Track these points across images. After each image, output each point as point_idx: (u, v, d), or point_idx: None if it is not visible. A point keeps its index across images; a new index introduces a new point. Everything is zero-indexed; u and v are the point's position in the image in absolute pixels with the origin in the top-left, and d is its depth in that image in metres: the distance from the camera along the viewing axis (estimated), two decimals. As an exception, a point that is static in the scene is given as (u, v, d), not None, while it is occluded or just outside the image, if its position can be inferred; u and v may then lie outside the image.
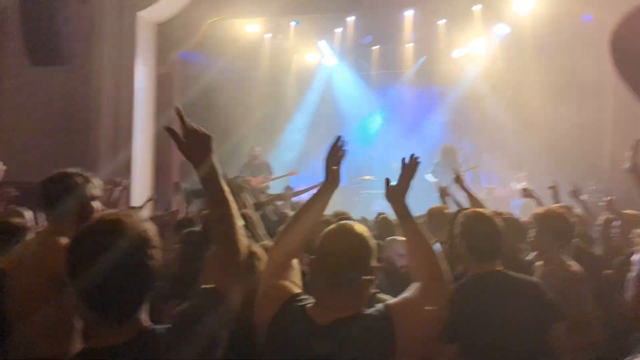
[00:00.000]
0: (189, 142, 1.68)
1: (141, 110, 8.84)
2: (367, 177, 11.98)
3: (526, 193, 5.10)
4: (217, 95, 11.23)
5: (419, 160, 2.22)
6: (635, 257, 1.41)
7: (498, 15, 10.74)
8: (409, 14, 11.43)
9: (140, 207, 5.15)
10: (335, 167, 2.14)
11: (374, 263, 1.77)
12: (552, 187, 4.95)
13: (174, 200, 5.77)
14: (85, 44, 8.33)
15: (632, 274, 1.44)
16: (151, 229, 1.41)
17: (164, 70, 9.39)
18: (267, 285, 1.90)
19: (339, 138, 2.22)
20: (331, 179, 2.13)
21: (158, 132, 9.31)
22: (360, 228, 1.80)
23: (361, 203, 11.16)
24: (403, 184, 2.14)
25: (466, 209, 3.50)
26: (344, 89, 13.48)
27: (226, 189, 1.62)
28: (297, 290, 1.87)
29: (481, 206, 3.79)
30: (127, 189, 5.45)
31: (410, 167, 2.19)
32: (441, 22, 11.55)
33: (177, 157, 10.07)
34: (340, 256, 1.73)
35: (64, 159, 8.21)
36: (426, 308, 1.76)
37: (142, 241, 1.37)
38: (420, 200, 6.29)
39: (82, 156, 8.25)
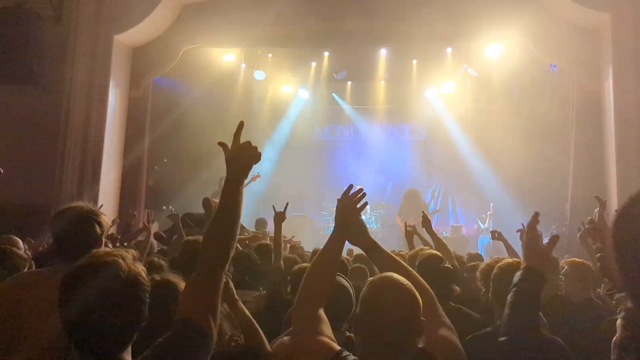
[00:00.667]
0: (238, 152, 1.82)
1: (112, 133, 8.72)
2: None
3: (496, 235, 5.12)
4: (190, 122, 11.17)
5: (360, 194, 2.09)
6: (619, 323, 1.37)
7: (468, 59, 11.10)
8: (382, 52, 11.71)
9: (146, 242, 4.93)
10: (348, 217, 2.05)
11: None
12: (520, 231, 4.96)
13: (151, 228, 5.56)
14: (58, 64, 8.23)
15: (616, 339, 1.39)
16: (143, 271, 1.38)
17: (137, 94, 9.32)
18: (304, 342, 1.82)
19: (351, 187, 2.12)
20: (342, 228, 2.04)
21: (127, 158, 9.18)
22: (404, 281, 1.73)
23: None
24: (352, 222, 2.07)
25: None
26: (316, 121, 13.61)
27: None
28: (336, 346, 1.75)
29: (446, 248, 3.85)
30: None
31: (351, 201, 2.08)
32: (414, 62, 11.87)
33: (144, 183, 9.92)
34: (391, 315, 1.61)
35: (28, 180, 8.02)
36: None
37: (134, 283, 1.33)
38: (390, 243, 6.33)
39: (48, 178, 8.06)
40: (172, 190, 10.21)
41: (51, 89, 8.21)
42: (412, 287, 1.67)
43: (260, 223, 8.27)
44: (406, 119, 13.36)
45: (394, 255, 2.05)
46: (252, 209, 10.19)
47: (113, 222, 6.53)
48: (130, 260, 1.37)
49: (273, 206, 4.15)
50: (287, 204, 4.20)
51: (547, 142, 9.14)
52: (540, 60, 8.79)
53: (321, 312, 1.89)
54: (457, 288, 3.08)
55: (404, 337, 1.60)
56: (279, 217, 4.00)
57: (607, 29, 7.40)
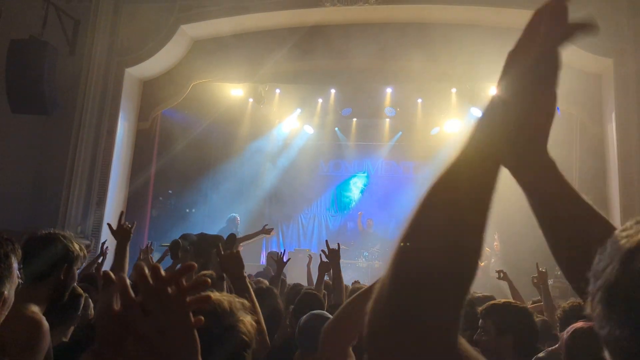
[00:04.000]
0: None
1: (119, 164, 8.81)
2: (343, 247, 11.97)
3: (501, 276, 5.10)
4: (196, 155, 11.28)
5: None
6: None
7: (473, 99, 11.24)
8: (388, 91, 11.89)
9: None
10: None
11: None
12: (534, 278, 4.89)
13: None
14: (69, 95, 8.40)
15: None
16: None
17: (146, 125, 9.45)
18: None
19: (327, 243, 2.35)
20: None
21: (133, 188, 9.24)
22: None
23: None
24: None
25: None
26: (321, 156, 13.71)
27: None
28: None
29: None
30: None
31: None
32: (419, 101, 12.03)
33: (148, 213, 9.96)
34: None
35: (35, 209, 8.08)
36: None
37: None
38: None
39: (54, 207, 8.11)
40: (175, 221, 10.23)
41: (63, 118, 8.35)
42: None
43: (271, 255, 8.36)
44: (410, 157, 13.44)
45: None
46: (258, 242, 10.17)
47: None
48: None
49: (326, 241, 4.16)
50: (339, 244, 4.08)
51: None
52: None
53: (350, 350, 1.92)
54: None
55: None
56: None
57: (610, 73, 7.52)
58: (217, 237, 5.71)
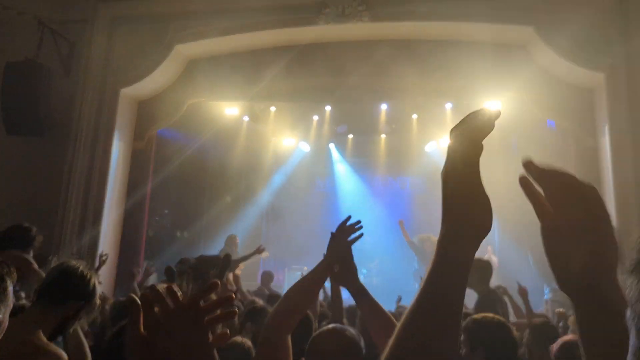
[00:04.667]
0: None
1: (114, 185, 8.79)
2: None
3: (502, 291, 5.11)
4: (192, 174, 11.27)
5: (357, 226, 2.09)
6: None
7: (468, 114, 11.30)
8: (383, 107, 11.96)
9: None
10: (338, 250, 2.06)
11: None
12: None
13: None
14: (64, 116, 8.40)
15: None
16: None
17: (141, 145, 9.45)
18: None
19: (348, 218, 2.13)
20: (332, 258, 2.06)
21: (128, 207, 9.20)
22: (350, 332, 1.82)
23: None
24: (346, 263, 2.07)
25: None
26: (317, 172, 13.73)
27: None
28: None
29: None
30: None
31: (345, 234, 2.08)
32: (414, 117, 12.10)
33: (144, 233, 9.91)
34: (332, 357, 1.73)
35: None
36: None
37: None
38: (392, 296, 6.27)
39: (49, 227, 8.06)
40: (173, 241, 10.18)
41: (58, 139, 8.35)
42: (355, 338, 1.79)
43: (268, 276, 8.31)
44: (406, 172, 13.48)
45: (378, 303, 2.05)
46: (255, 261, 10.11)
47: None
48: None
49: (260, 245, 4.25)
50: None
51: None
52: (538, 117, 8.96)
53: (288, 338, 1.90)
54: None
55: None
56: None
57: (602, 88, 7.58)
58: (215, 258, 5.70)
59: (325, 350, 1.76)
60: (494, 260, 10.30)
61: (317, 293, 2.10)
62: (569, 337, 2.66)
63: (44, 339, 2.15)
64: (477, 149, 0.96)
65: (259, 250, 8.47)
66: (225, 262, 5.03)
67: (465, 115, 1.00)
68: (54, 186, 8.29)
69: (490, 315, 2.77)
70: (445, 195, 0.95)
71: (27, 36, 8.37)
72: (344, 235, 2.06)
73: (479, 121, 0.96)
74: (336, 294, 3.96)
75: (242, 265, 7.43)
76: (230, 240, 9.85)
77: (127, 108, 9.16)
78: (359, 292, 2.06)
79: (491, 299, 3.43)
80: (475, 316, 2.67)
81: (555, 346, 2.47)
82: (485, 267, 4.66)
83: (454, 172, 0.95)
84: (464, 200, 0.93)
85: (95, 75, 8.73)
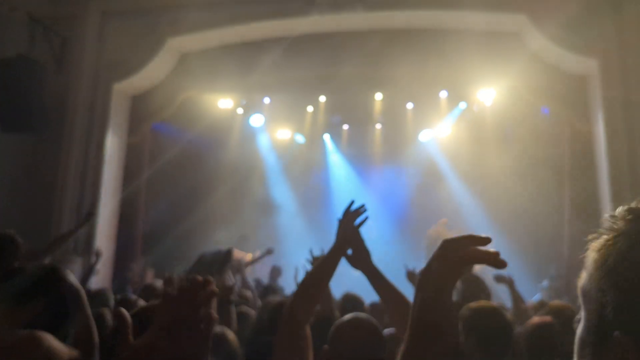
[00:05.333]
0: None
1: (108, 180, 8.77)
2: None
3: (500, 279, 5.08)
4: (187, 167, 11.25)
5: (362, 210, 2.11)
6: None
7: (462, 103, 11.33)
8: (378, 97, 11.93)
9: None
10: (350, 232, 2.06)
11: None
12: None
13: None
14: (58, 113, 8.35)
15: None
16: None
17: (135, 140, 9.42)
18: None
19: (352, 203, 2.13)
20: (341, 243, 2.06)
21: (124, 203, 9.19)
22: (373, 321, 1.82)
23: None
24: (357, 245, 2.09)
25: None
26: (312, 164, 13.72)
27: None
28: None
29: None
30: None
31: (352, 217, 2.08)
32: (409, 106, 12.08)
33: (140, 229, 9.91)
34: (357, 349, 1.73)
35: (25, 225, 7.99)
36: None
37: None
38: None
39: (44, 224, 8.05)
40: (168, 236, 10.17)
41: (51, 135, 8.30)
42: (378, 327, 1.79)
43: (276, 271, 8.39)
44: (402, 162, 13.48)
45: (394, 285, 2.07)
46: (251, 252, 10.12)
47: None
48: None
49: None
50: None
51: (542, 183, 9.23)
52: (532, 104, 8.98)
53: (307, 328, 1.92)
54: None
55: None
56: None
57: (595, 74, 7.60)
58: (216, 254, 5.70)
59: (350, 341, 1.74)
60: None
61: (330, 280, 2.09)
62: (536, 318, 2.70)
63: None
64: (455, 277, 1.00)
65: (269, 252, 8.64)
66: (227, 258, 5.06)
67: (459, 236, 1.07)
68: (48, 182, 8.26)
69: (485, 302, 2.80)
70: (415, 303, 0.99)
71: (19, 32, 8.31)
72: (351, 220, 2.06)
73: (466, 255, 1.00)
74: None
75: (248, 268, 7.50)
76: (242, 238, 9.77)
77: (121, 103, 9.12)
78: (374, 274, 2.10)
79: (473, 285, 3.40)
80: (471, 304, 2.70)
81: (524, 327, 2.51)
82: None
83: (430, 288, 0.98)
84: (433, 317, 0.96)
85: (88, 71, 8.69)
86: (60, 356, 1.94)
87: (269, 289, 6.93)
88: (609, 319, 0.63)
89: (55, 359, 1.97)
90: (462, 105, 11.37)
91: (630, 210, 0.67)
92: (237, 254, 9.20)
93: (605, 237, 0.67)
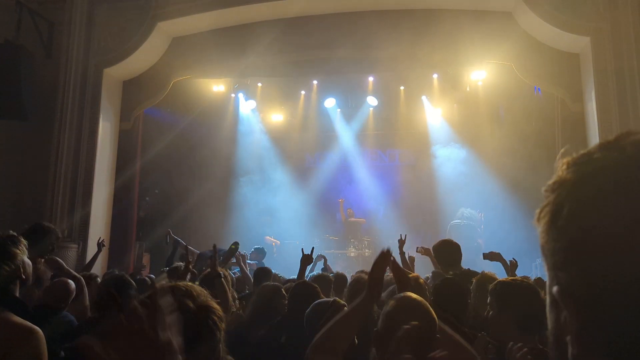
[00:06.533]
0: None
1: (102, 166, 8.73)
2: (331, 237, 12.12)
3: (488, 256, 5.11)
4: (180, 152, 11.22)
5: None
6: None
7: (455, 84, 11.31)
8: (370, 79, 11.90)
9: None
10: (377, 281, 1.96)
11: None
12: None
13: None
14: (48, 98, 8.29)
15: None
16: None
17: (128, 126, 9.36)
18: None
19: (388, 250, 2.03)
20: (371, 295, 1.94)
21: (118, 189, 9.17)
22: (423, 300, 1.75)
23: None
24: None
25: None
26: (306, 148, 13.69)
27: None
28: None
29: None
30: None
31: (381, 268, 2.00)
32: (402, 88, 12.06)
33: (135, 214, 9.90)
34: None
35: (19, 213, 7.98)
36: None
37: None
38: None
39: (38, 210, 8.03)
40: (163, 220, 10.17)
41: (43, 122, 8.24)
42: (429, 306, 1.72)
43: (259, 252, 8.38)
44: (395, 145, 13.48)
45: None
46: (246, 237, 10.14)
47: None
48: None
49: (302, 249, 4.49)
50: (313, 248, 4.54)
51: (535, 162, 9.26)
52: (524, 84, 8.98)
53: None
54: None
55: (421, 353, 1.64)
56: (306, 260, 4.22)
57: (588, 52, 7.59)
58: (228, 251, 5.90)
59: (402, 319, 1.64)
60: (480, 242, 10.28)
61: (358, 328, 1.99)
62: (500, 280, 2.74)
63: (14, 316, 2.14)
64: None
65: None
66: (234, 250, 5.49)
67: None
68: (41, 169, 8.22)
69: (518, 278, 2.81)
70: None
71: (5, 18, 8.20)
72: (380, 267, 1.98)
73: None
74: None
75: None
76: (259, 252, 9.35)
77: (112, 88, 9.05)
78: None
79: (452, 282, 3.28)
80: (503, 279, 2.71)
81: (491, 287, 2.53)
82: (452, 250, 4.56)
83: None
84: None
85: (77, 56, 8.59)
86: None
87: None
88: (552, 275, 0.60)
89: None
90: (455, 85, 11.35)
91: (565, 163, 0.64)
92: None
93: (546, 192, 0.65)
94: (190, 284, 1.36)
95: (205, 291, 1.36)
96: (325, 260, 7.32)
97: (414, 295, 1.77)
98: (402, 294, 1.78)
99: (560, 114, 8.58)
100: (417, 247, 5.54)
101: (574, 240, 0.56)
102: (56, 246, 4.34)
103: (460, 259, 4.52)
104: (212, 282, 3.05)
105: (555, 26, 7.64)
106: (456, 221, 10.84)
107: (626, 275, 0.51)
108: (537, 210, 0.63)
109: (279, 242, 11.55)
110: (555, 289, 0.57)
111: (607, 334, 0.52)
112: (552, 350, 0.61)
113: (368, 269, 2.12)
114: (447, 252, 4.56)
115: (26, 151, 8.28)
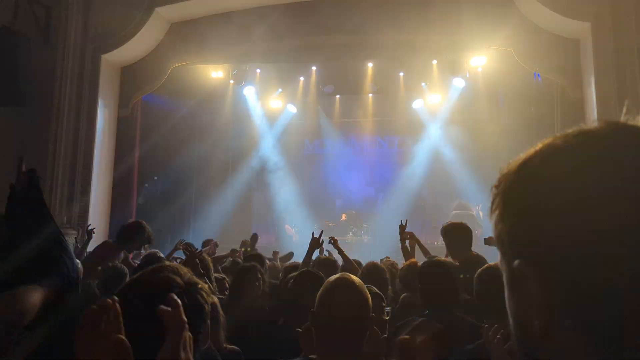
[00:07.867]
0: None
1: (100, 153, 8.72)
2: (330, 224, 12.14)
3: (489, 241, 5.09)
4: (179, 139, 11.20)
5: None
6: None
7: (454, 70, 11.26)
8: (369, 65, 11.84)
9: None
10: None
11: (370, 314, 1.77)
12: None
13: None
14: (46, 85, 8.23)
15: None
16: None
17: (126, 112, 9.32)
18: None
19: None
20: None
21: (117, 176, 9.16)
22: (358, 281, 1.79)
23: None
24: None
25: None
26: (305, 134, 13.68)
27: None
28: None
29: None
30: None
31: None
32: (401, 74, 12.01)
33: (134, 201, 9.91)
34: (345, 310, 1.70)
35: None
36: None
37: None
38: (382, 254, 6.37)
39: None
40: (163, 208, 10.18)
41: (41, 109, 8.20)
42: (364, 287, 1.76)
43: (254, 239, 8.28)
44: (394, 131, 13.48)
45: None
46: (246, 223, 10.18)
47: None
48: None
49: (312, 232, 4.51)
50: (322, 231, 4.54)
51: (534, 145, 9.25)
52: (524, 70, 8.94)
53: None
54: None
55: (355, 335, 1.68)
56: (315, 243, 4.35)
57: (588, 37, 7.55)
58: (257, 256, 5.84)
59: (337, 316, 1.67)
60: (478, 232, 10.28)
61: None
62: (486, 265, 2.72)
63: None
64: None
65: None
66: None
67: None
68: (39, 157, 8.19)
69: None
70: None
71: (2, 3, 8.11)
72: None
73: None
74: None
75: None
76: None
77: (110, 74, 9.00)
78: None
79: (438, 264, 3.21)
80: (488, 265, 2.73)
81: (476, 276, 2.53)
82: (463, 233, 4.17)
83: None
84: None
85: (75, 42, 8.52)
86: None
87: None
88: (507, 251, 0.61)
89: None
90: (455, 71, 11.30)
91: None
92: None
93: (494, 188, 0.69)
94: (175, 264, 1.42)
95: (190, 271, 1.43)
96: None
97: (350, 276, 1.80)
98: (338, 275, 1.82)
99: (560, 100, 8.56)
100: (404, 234, 4.96)
101: (530, 208, 0.59)
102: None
103: (471, 243, 4.19)
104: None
105: (556, 11, 7.59)
106: (457, 211, 10.89)
107: (578, 229, 0.54)
108: (489, 204, 0.67)
109: (297, 235, 11.64)
110: (516, 262, 0.58)
111: (571, 292, 0.54)
112: (515, 332, 0.62)
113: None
114: (458, 236, 4.17)
115: (25, 137, 8.25)
